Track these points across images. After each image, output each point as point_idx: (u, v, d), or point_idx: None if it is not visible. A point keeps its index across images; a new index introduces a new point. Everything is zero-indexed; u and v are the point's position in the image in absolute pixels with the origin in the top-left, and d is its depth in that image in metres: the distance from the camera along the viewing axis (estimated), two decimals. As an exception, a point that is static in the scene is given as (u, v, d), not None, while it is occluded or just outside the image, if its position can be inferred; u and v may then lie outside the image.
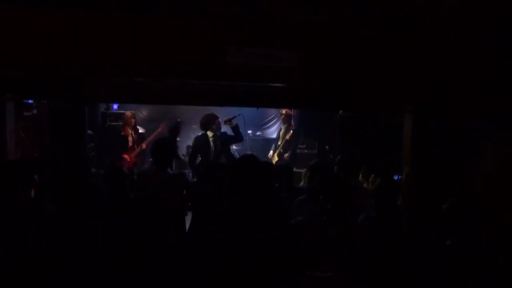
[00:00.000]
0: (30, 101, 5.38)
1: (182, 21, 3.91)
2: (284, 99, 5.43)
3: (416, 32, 4.09)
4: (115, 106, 8.72)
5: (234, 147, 7.37)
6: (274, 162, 7.40)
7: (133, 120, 7.36)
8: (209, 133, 6.19)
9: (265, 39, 4.00)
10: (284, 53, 4.00)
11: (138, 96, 5.24)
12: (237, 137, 6.29)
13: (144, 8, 3.78)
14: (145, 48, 3.87)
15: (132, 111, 7.61)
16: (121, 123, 7.46)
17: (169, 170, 4.15)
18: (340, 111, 6.07)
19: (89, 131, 5.96)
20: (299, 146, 7.65)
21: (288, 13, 3.93)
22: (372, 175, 4.40)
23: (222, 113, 6.51)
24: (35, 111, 5.55)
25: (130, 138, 7.27)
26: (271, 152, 7.78)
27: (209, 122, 6.19)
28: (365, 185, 4.46)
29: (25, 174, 3.33)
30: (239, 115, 6.45)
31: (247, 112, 7.11)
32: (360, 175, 4.57)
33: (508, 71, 4.10)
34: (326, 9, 3.85)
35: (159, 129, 7.39)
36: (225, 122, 6.30)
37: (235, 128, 6.22)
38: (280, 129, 7.88)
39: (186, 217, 4.03)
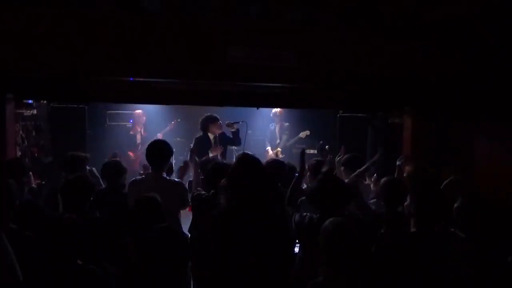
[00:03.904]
0: (30, 101, 5.38)
1: (181, 21, 3.92)
2: (284, 99, 5.44)
3: (415, 32, 4.10)
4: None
5: (234, 147, 7.35)
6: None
7: (143, 118, 7.42)
8: (210, 134, 6.21)
9: (265, 39, 4.01)
10: (284, 53, 4.01)
11: (138, 96, 5.25)
12: (235, 141, 6.32)
13: (143, 8, 3.78)
14: (145, 48, 3.88)
15: (142, 110, 7.62)
16: (121, 123, 7.47)
17: (166, 175, 3.85)
18: (340, 111, 6.08)
19: (88, 131, 5.96)
20: (296, 146, 7.66)
21: (288, 13, 3.94)
22: (375, 175, 4.35)
23: (228, 114, 6.54)
24: (35, 111, 5.55)
25: (138, 136, 7.31)
26: (268, 148, 7.76)
27: (209, 123, 6.20)
28: (372, 186, 4.39)
29: (21, 172, 3.32)
30: (242, 122, 6.44)
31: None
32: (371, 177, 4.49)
33: (506, 70, 4.10)
34: (325, 9, 3.86)
35: (173, 122, 7.76)
36: (227, 125, 6.31)
37: (235, 133, 6.26)
38: (274, 128, 7.86)
39: (186, 218, 4.01)
